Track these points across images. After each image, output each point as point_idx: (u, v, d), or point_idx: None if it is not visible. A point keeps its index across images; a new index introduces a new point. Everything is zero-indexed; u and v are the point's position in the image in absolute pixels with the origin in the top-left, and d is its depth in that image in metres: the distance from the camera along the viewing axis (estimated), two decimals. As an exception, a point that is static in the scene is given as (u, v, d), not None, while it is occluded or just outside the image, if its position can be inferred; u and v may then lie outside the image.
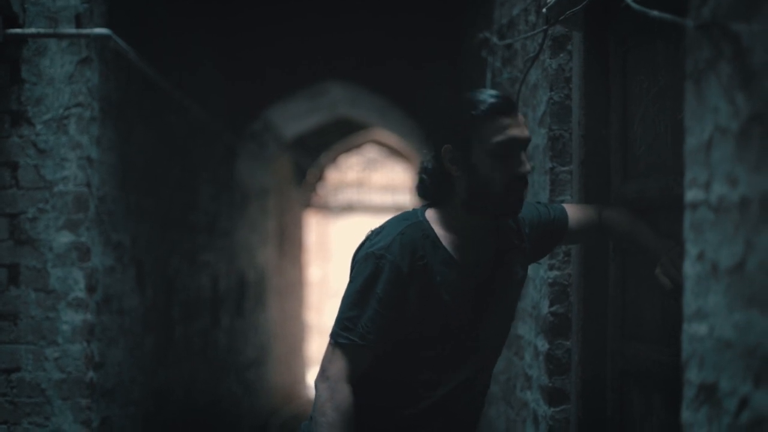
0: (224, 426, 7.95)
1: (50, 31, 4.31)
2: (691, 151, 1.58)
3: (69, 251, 4.31)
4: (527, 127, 2.46)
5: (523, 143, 2.38)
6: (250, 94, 8.46)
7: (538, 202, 2.77)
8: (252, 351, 9.45)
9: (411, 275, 2.34)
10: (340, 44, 8.32)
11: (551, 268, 3.27)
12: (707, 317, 1.50)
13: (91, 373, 4.33)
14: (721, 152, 1.47)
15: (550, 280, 3.27)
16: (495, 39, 4.45)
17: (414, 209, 2.51)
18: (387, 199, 18.77)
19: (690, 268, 1.57)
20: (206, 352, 7.28)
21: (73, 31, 4.33)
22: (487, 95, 2.40)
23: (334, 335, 2.37)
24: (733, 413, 1.41)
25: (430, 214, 2.46)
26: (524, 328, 3.79)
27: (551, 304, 3.27)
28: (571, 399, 3.15)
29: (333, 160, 15.47)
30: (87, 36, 4.34)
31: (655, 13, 1.82)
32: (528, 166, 2.38)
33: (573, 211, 2.69)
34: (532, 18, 3.65)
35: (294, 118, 10.61)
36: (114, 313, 4.73)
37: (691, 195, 1.57)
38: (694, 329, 1.55)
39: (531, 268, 3.63)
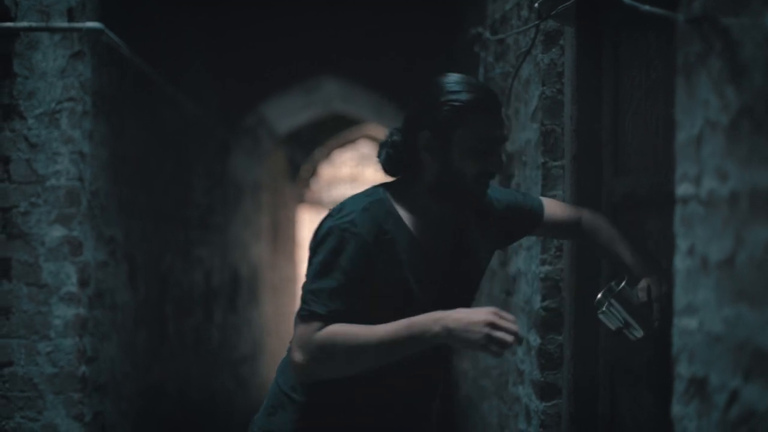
0: (217, 421, 7.95)
1: (42, 24, 4.29)
2: (682, 145, 1.58)
3: (61, 245, 4.30)
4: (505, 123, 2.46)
5: (502, 142, 2.38)
6: (243, 89, 8.45)
7: (518, 191, 2.75)
8: (245, 346, 9.44)
9: (377, 248, 2.30)
10: (334, 40, 8.31)
11: (543, 263, 3.27)
12: (697, 312, 1.51)
13: (83, 368, 4.32)
14: (711, 147, 1.47)
15: (542, 276, 3.27)
16: (488, 34, 4.45)
17: (375, 186, 2.45)
18: (381, 194, 18.70)
19: (680, 263, 1.57)
20: (199, 348, 7.28)
21: (65, 24, 4.31)
22: (476, 89, 2.36)
23: (300, 310, 2.30)
24: (723, 407, 1.41)
25: (392, 193, 2.42)
26: (516, 323, 3.78)
27: (543, 299, 3.27)
28: (563, 394, 3.16)
29: (327, 155, 15.47)
30: (79, 30, 4.32)
31: (646, 7, 1.82)
32: (502, 163, 2.38)
33: (552, 208, 2.67)
34: (524, 13, 3.65)
35: (288, 113, 10.60)
36: (106, 308, 4.72)
37: (682, 189, 1.57)
38: (684, 324, 1.56)
39: (523, 263, 3.64)
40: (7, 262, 4.32)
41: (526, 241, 3.56)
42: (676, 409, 1.57)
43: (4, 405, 4.29)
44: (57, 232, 4.30)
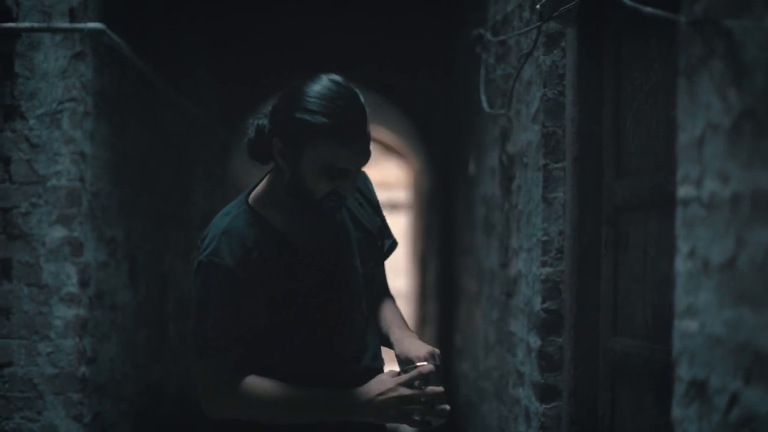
0: (218, 421, 7.93)
1: (44, 25, 4.29)
2: (683, 147, 1.58)
3: (62, 246, 4.30)
4: (369, 146, 2.24)
5: (357, 170, 2.24)
6: (245, 90, 8.46)
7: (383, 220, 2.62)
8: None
9: (246, 271, 2.23)
10: (335, 41, 8.31)
11: (544, 264, 3.27)
12: (698, 314, 1.50)
13: (83, 368, 4.32)
14: (713, 149, 1.47)
15: (542, 277, 3.27)
16: (489, 35, 4.45)
17: (237, 199, 2.38)
18: (381, 196, 18.73)
19: (681, 265, 1.57)
20: (199, 348, 7.27)
21: (66, 25, 4.31)
22: (335, 114, 2.16)
23: (192, 353, 2.30)
24: (723, 410, 1.41)
25: (255, 196, 2.35)
26: (516, 325, 3.79)
27: (543, 301, 3.27)
28: (563, 396, 3.16)
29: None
30: (81, 30, 4.32)
31: (648, 9, 1.82)
32: (354, 189, 2.27)
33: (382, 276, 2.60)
34: (526, 14, 3.65)
35: (289, 115, 10.60)
36: (107, 309, 4.72)
37: (683, 191, 1.57)
38: (684, 326, 1.55)
39: (523, 265, 3.63)
40: (8, 262, 4.31)
41: (526, 242, 3.56)
42: (677, 411, 1.57)
43: (3, 405, 4.29)
44: (58, 232, 4.30)
